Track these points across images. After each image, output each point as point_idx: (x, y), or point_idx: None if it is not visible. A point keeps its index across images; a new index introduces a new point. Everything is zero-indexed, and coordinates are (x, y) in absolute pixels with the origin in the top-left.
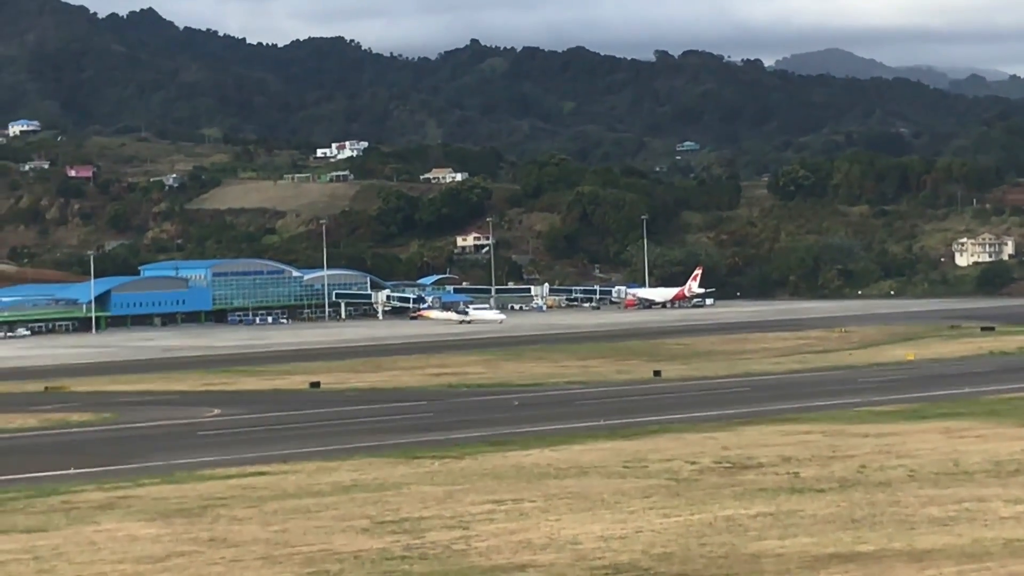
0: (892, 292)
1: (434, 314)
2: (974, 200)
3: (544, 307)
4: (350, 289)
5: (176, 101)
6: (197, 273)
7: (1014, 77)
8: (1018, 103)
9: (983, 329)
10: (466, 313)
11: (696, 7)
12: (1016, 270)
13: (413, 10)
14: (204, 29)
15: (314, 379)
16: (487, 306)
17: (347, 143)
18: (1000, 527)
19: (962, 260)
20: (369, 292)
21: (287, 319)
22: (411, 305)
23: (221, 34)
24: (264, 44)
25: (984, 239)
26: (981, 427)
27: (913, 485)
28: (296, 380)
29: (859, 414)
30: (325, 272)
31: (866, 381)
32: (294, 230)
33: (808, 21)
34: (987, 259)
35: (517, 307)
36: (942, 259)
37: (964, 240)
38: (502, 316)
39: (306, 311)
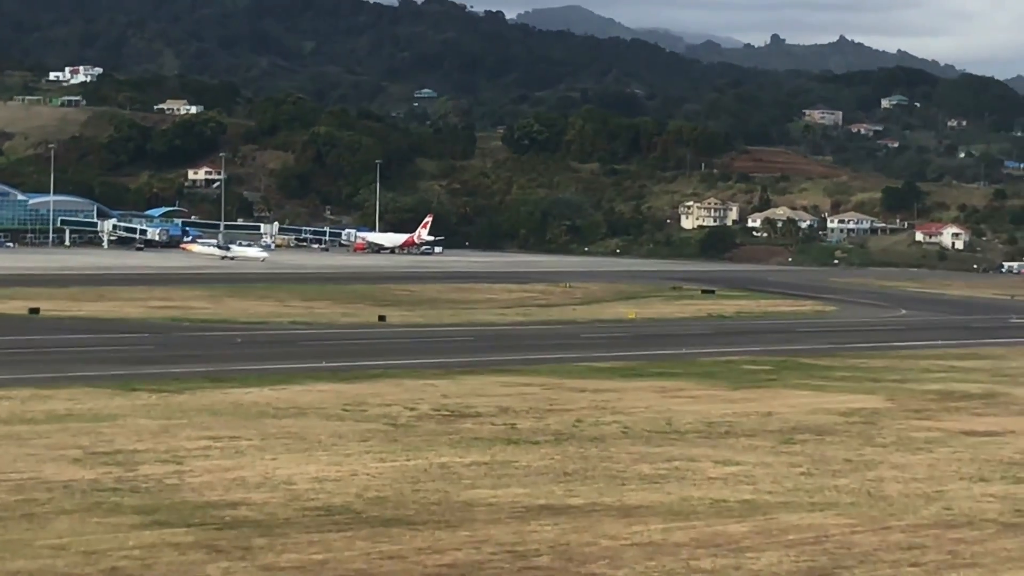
0: (618, 251)
1: (196, 248)
2: (702, 164)
3: (273, 246)
4: (76, 216)
5: None
6: None
7: (748, 46)
8: (750, 71)
9: (703, 292)
10: (228, 249)
11: None
12: (739, 235)
13: None
14: None
15: (33, 305)
16: (249, 243)
17: (81, 68)
18: (708, 487)
19: (687, 223)
20: (95, 220)
21: (13, 243)
22: (137, 236)
23: None
24: None
25: (710, 204)
26: (695, 388)
27: (626, 442)
28: (15, 305)
29: (578, 369)
30: (51, 198)
31: (587, 337)
32: (21, 153)
33: None
34: (711, 223)
35: (245, 244)
36: (668, 220)
37: (690, 203)
38: (265, 254)
39: (30, 236)
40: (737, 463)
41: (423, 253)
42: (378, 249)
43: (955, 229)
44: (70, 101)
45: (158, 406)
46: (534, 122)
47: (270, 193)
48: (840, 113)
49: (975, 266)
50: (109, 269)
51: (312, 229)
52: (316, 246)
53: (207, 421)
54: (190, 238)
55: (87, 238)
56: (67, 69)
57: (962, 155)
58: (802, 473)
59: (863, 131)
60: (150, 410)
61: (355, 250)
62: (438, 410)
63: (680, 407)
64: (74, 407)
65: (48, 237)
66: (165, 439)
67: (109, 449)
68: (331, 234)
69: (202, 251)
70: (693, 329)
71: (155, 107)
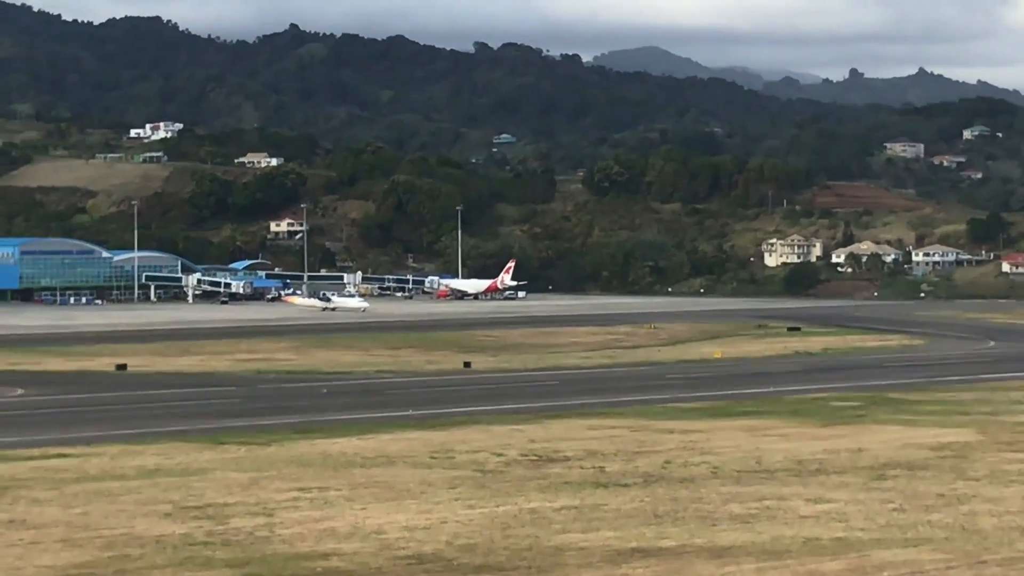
0: (702, 290)
1: (297, 300)
2: (784, 201)
3: (356, 295)
4: (160, 271)
5: None
6: (4, 251)
7: (826, 81)
8: (829, 106)
9: (789, 329)
10: (329, 300)
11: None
12: (823, 272)
13: None
14: (18, 3)
15: (121, 361)
16: (350, 293)
17: (162, 124)
18: (800, 525)
19: (771, 260)
20: (180, 275)
21: (100, 300)
22: (221, 289)
23: (35, 9)
24: (79, 21)
25: (793, 240)
26: (784, 426)
27: (716, 482)
28: (103, 362)
29: (665, 410)
30: (136, 254)
31: (673, 377)
32: (105, 210)
33: (622, 18)
34: (795, 260)
35: (329, 295)
36: (751, 259)
37: (773, 240)
38: (366, 304)
39: (115, 292)
40: (829, 500)
41: (506, 298)
42: (461, 295)
43: None
44: (152, 157)
45: (246, 459)
46: (614, 164)
47: (352, 243)
48: (922, 145)
49: None
50: (194, 323)
51: (395, 277)
52: (400, 294)
53: (296, 472)
54: (290, 290)
55: (172, 293)
56: (148, 126)
57: None
58: (895, 509)
59: (945, 163)
60: (239, 463)
61: (438, 297)
62: (526, 455)
63: (769, 446)
64: (164, 462)
65: (134, 293)
66: (255, 491)
67: (199, 503)
68: (414, 282)
69: (303, 303)
70: (780, 367)
71: (236, 161)
